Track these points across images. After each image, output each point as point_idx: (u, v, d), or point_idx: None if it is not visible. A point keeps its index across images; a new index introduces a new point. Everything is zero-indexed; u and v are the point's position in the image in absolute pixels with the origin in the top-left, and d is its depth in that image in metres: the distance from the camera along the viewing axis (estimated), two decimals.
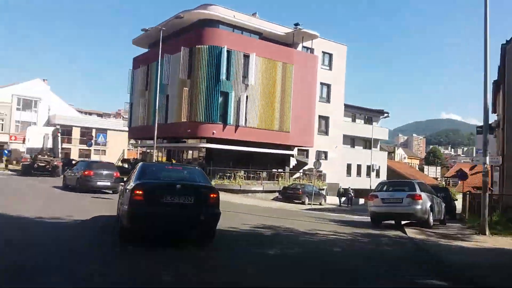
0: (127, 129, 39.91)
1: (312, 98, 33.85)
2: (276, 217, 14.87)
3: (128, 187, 7.52)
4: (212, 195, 7.36)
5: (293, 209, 22.89)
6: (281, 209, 21.10)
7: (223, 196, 23.71)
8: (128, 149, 75.81)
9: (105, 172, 18.15)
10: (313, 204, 26.69)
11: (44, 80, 60.92)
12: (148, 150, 38.36)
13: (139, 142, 40.15)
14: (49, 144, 30.78)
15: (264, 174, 30.43)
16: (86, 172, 17.64)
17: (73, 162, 30.80)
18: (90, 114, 79.82)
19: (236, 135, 28.80)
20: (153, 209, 6.82)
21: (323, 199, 30.82)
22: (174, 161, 29.12)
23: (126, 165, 37.27)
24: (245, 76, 29.46)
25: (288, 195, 28.36)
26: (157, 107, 28.82)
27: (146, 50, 37.65)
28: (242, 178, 28.14)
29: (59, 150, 30.71)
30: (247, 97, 29.29)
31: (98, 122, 61.84)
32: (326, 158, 37.19)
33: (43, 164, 27.13)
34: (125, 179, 9.34)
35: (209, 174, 27.83)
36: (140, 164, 8.75)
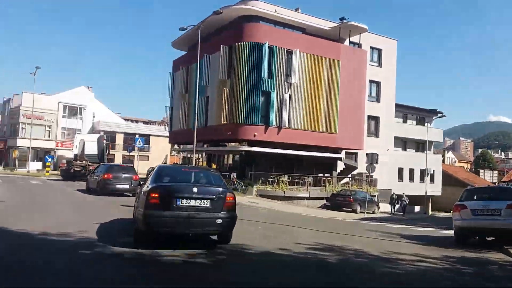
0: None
1: (362, 96, 31.27)
2: (332, 231, 12.54)
3: (144, 190, 7.44)
4: (228, 198, 7.21)
5: (346, 218, 20.56)
6: (334, 220, 18.84)
7: (265, 204, 21.98)
8: (172, 155, 76.16)
9: (124, 175, 18.37)
10: (366, 213, 24.13)
11: (88, 87, 62.09)
12: (189, 155, 37.25)
13: (181, 147, 39.14)
14: (93, 150, 30.65)
15: (310, 179, 28.19)
16: (105, 176, 17.99)
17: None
18: (137, 121, 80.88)
19: (279, 137, 26.82)
20: (169, 213, 6.72)
21: (376, 207, 28.10)
22: (214, 166, 27.60)
23: None
24: (288, 74, 27.47)
25: (338, 202, 25.96)
26: (196, 110, 27.49)
27: (185, 52, 36.65)
28: (286, 184, 26.08)
29: (106, 156, 31.16)
30: (290, 96, 27.26)
31: (141, 128, 62.18)
32: (376, 162, 34.27)
33: (78, 169, 27.62)
34: (141, 182, 9.26)
35: (250, 179, 26.08)
36: (156, 166, 8.65)
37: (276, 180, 26.17)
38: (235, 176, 25.83)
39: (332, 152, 30.24)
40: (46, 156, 36.01)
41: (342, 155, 31.76)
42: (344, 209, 25.97)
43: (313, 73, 28.45)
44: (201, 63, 28.91)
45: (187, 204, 6.86)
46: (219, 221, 6.99)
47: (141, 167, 56.92)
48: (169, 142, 39.82)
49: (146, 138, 63.54)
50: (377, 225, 17.43)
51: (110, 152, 54.22)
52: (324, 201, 27.44)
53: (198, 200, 6.93)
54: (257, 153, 26.77)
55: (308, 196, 26.26)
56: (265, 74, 26.03)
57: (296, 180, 27.38)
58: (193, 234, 7.55)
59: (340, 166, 32.42)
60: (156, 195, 6.83)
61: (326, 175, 30.13)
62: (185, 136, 33.10)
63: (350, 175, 32.70)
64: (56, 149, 54.99)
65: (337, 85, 29.41)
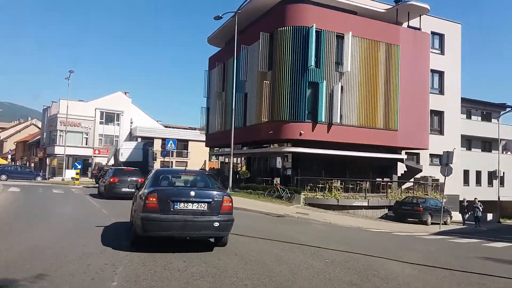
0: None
1: (425, 87, 26.75)
2: (445, 266, 7.88)
3: (141, 194, 7.33)
4: (225, 201, 7.09)
5: (421, 233, 16.38)
6: (410, 237, 14.65)
7: (317, 215, 18.15)
8: (211, 160, 73.76)
9: (129, 179, 18.15)
10: (441, 225, 19.70)
11: (125, 93, 60.81)
12: (227, 159, 34.10)
13: (219, 150, 36.05)
14: (137, 157, 29.45)
15: (367, 184, 24.04)
16: (111, 179, 18.01)
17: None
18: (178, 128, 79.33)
19: (329, 135, 22.95)
20: (167, 216, 6.64)
21: (448, 217, 23.54)
22: (243, 170, 24.16)
23: None
24: (339, 62, 23.59)
25: (403, 212, 21.66)
26: (234, 108, 24.26)
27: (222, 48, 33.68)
28: (339, 190, 22.12)
29: (152, 163, 30.13)
30: (342, 87, 23.34)
31: (179, 133, 60.02)
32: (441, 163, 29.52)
33: None
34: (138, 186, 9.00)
35: (296, 184, 22.37)
36: (154, 170, 8.65)
37: (327, 186, 22.28)
38: (279, 182, 22.23)
39: (391, 152, 25.95)
40: (75, 163, 34.05)
41: (404, 155, 27.31)
42: (410, 219, 21.68)
43: (368, 60, 24.39)
44: (238, 56, 25.77)
45: (185, 208, 6.78)
46: (216, 224, 6.87)
47: None
48: (206, 146, 36.86)
49: (184, 143, 61.59)
50: (469, 244, 13.19)
51: None
52: (385, 211, 23.21)
53: (195, 204, 6.85)
54: (303, 154, 23.04)
55: (366, 205, 22.14)
56: (312, 62, 22.31)
57: (350, 186, 23.33)
58: (190, 238, 7.28)
59: (400, 169, 27.95)
60: (154, 199, 6.71)
61: (385, 179, 25.80)
62: (222, 139, 29.99)
63: (412, 179, 28.15)
64: (94, 156, 53.81)
65: (396, 73, 25.16)
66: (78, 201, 17.54)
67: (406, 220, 21.67)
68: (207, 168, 47.45)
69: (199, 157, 60.70)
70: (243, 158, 29.87)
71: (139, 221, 6.76)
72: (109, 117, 56.87)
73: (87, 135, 54.64)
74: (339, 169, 24.07)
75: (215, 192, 7.23)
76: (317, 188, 22.08)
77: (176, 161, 60.44)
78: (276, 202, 20.25)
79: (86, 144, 54.28)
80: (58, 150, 51.23)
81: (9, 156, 52.01)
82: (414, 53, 26.09)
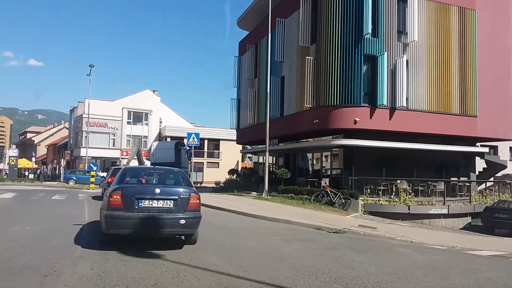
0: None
1: (509, 62, 21.19)
2: None
3: (107, 191, 7.33)
4: (192, 198, 6.90)
5: None
6: None
7: (387, 229, 12.07)
8: (245, 161, 69.62)
9: None
10: None
11: (154, 91, 57.72)
12: (262, 157, 29.63)
13: (252, 148, 31.68)
14: (170, 158, 27.20)
15: (442, 186, 18.80)
16: (109, 179, 16.80)
17: None
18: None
19: (391, 123, 18.00)
20: (131, 214, 6.47)
21: None
22: (282, 169, 19.62)
23: (234, 177, 29.14)
24: (402, 30, 18.62)
25: (497, 222, 16.35)
26: (268, 95, 19.79)
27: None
28: (410, 194, 17.08)
29: (186, 163, 27.76)
30: (407, 62, 18.33)
31: (210, 132, 56.16)
32: None
33: None
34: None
35: (351, 186, 17.54)
36: (122, 168, 8.86)
37: (392, 189, 17.33)
38: (328, 184, 17.48)
39: (466, 144, 20.59)
40: (90, 164, 30.66)
41: (484, 148, 21.84)
42: (504, 230, 16.36)
43: (438, 28, 19.26)
44: (273, 32, 21.27)
45: (150, 205, 6.61)
46: (182, 221, 6.63)
47: (211, 175, 51.25)
48: (237, 143, 32.56)
49: (216, 143, 57.78)
50: None
51: None
52: (468, 219, 17.95)
53: (161, 201, 6.66)
54: (358, 148, 18.18)
55: (446, 212, 16.93)
56: (367, 30, 17.46)
57: (420, 188, 18.22)
58: (156, 236, 7.02)
59: (479, 165, 22.44)
60: (118, 197, 6.55)
61: (462, 179, 20.45)
62: (255, 134, 25.58)
63: (492, 178, 22.60)
64: (122, 158, 50.84)
65: (472, 44, 19.86)
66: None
67: (499, 232, 16.37)
68: (239, 169, 43.12)
69: (231, 157, 56.69)
70: (280, 155, 25.24)
71: (103, 219, 6.64)
72: (137, 117, 53.95)
73: (114, 136, 51.88)
74: (403, 166, 19.05)
75: (181, 189, 7.03)
76: (379, 191, 17.16)
77: (207, 162, 56.78)
78: (327, 210, 15.54)
79: (114, 146, 51.50)
80: (84, 152, 48.67)
81: (33, 159, 49.89)
82: (495, 19, 20.67)
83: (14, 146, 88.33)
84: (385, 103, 17.64)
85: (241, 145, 62.59)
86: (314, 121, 18.15)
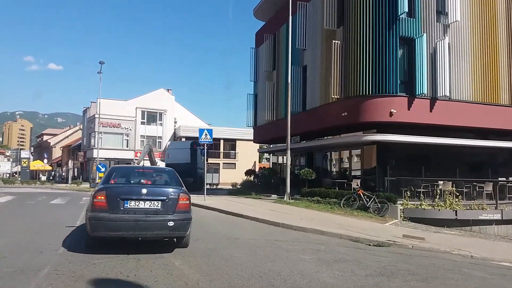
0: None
1: None
2: None
3: (92, 192, 6.92)
4: (182, 199, 6.57)
5: None
6: None
7: (437, 239, 8.04)
8: (263, 161, 67.49)
9: None
10: None
11: (168, 90, 56.16)
12: (282, 157, 27.51)
13: (270, 147, 29.57)
14: (185, 159, 26.58)
15: (489, 187, 16.33)
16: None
17: None
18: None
19: (433, 115, 15.67)
20: (116, 216, 6.17)
21: None
22: (306, 169, 17.41)
23: (251, 178, 27.11)
24: (441, 10, 16.27)
25: None
26: (289, 84, 17.66)
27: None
28: (458, 197, 14.68)
29: (202, 164, 26.10)
30: (449, 46, 15.97)
31: (226, 132, 54.17)
32: None
33: None
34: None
35: (386, 188, 15.26)
36: (110, 167, 8.48)
37: (433, 191, 14.97)
38: (359, 185, 15.25)
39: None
40: (98, 165, 29.04)
41: None
42: None
43: (483, 6, 16.83)
44: (293, 19, 19.14)
45: (136, 207, 6.30)
46: (171, 223, 6.32)
47: (227, 177, 49.28)
48: (254, 142, 30.46)
49: (232, 143, 55.88)
50: None
51: None
52: None
53: (148, 202, 6.36)
54: (394, 145, 15.88)
55: (500, 218, 14.45)
56: (403, 8, 15.18)
57: (465, 190, 15.79)
58: (143, 238, 6.57)
59: None
60: (102, 197, 6.26)
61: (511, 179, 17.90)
62: (274, 131, 23.50)
63: None
64: (135, 159, 49.34)
65: None
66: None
67: None
68: (256, 170, 41.06)
69: (248, 157, 54.77)
70: (302, 154, 23.04)
71: (87, 221, 6.32)
72: (151, 117, 52.50)
73: (127, 136, 50.52)
74: (443, 164, 16.70)
75: (170, 189, 6.71)
76: (420, 194, 14.82)
77: (223, 163, 54.94)
78: (361, 216, 13.30)
79: (127, 146, 50.13)
80: (97, 153, 47.47)
81: (45, 161, 48.97)
82: None
83: (32, 148, 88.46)
84: (425, 92, 15.31)
85: (258, 145, 60.90)
86: (343, 114, 15.94)
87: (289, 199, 16.29)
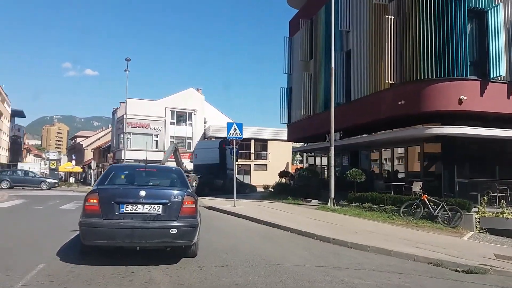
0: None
1: None
2: None
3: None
4: (186, 202, 5.69)
5: None
6: None
7: None
8: (295, 162, 64.93)
9: None
10: None
11: (198, 89, 54.64)
12: (322, 157, 24.95)
13: (306, 145, 27.01)
14: (214, 159, 25.53)
15: None
16: None
17: None
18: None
19: (510, 103, 12.75)
20: (110, 221, 5.38)
21: None
22: (354, 170, 14.76)
23: (286, 180, 24.76)
24: None
25: None
26: (332, 69, 15.17)
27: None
28: None
29: (231, 165, 24.08)
30: None
31: (257, 132, 51.96)
32: None
33: None
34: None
35: (453, 193, 12.48)
36: (109, 166, 8.06)
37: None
38: (422, 189, 12.54)
39: None
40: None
41: None
42: None
43: None
44: None
45: (133, 211, 5.49)
46: (173, 231, 5.48)
47: (258, 179, 47.08)
48: (288, 140, 28.06)
49: (263, 143, 53.69)
50: None
51: None
52: None
53: (147, 206, 5.54)
54: (464, 139, 13.05)
55: None
56: None
57: None
58: (142, 248, 5.73)
59: None
60: (95, 200, 5.49)
61: None
62: (310, 128, 21.04)
63: None
64: (168, 161, 47.94)
65: None
66: None
67: None
68: (291, 171, 38.57)
69: (280, 158, 52.37)
70: (344, 153, 20.32)
71: (79, 226, 5.51)
72: (181, 117, 51.09)
73: (157, 137, 49.29)
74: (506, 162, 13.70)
75: (173, 191, 5.86)
76: (496, 199, 11.98)
77: (254, 164, 52.77)
78: (428, 228, 10.65)
79: (156, 147, 48.85)
80: (126, 154, 46.48)
81: (73, 162, 48.46)
82: None
83: (66, 151, 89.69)
84: (502, 74, 12.45)
85: (291, 145, 58.28)
86: (399, 103, 13.25)
87: (334, 205, 13.80)
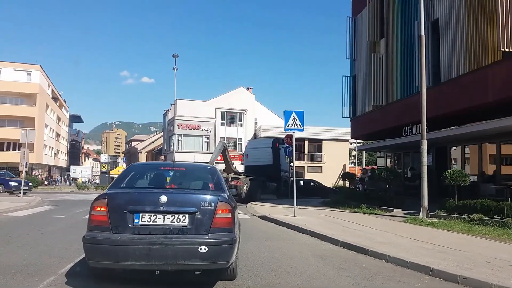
0: (349, 136, 24.06)
1: None
2: None
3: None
4: (220, 211, 4.28)
5: None
6: None
7: None
8: (350, 163, 60.67)
9: None
10: None
11: (248, 88, 52.40)
12: (391, 156, 21.37)
13: (375, 142, 23.44)
14: (266, 160, 23.46)
15: None
16: None
17: None
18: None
19: None
20: (122, 236, 4.08)
21: None
22: (456, 170, 11.15)
23: (348, 183, 21.49)
24: None
25: None
26: (422, 38, 11.79)
27: None
28: None
29: (288, 166, 23.66)
30: None
31: (310, 131, 48.48)
32: None
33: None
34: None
35: None
36: (129, 165, 6.28)
37: None
38: None
39: None
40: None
41: None
42: None
43: None
44: None
45: (151, 223, 4.14)
46: (203, 249, 4.07)
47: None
48: (351, 137, 24.66)
49: (317, 143, 50.27)
50: None
51: None
52: None
53: (168, 215, 4.18)
54: None
55: None
56: None
57: None
58: (162, 271, 4.24)
59: None
60: (103, 209, 4.19)
61: None
62: (382, 121, 17.64)
63: None
64: (216, 163, 45.99)
65: None
66: None
67: None
68: (357, 173, 34.86)
69: (336, 160, 48.64)
70: (432, 150, 16.54)
71: (83, 244, 4.20)
72: (231, 117, 49.10)
73: (207, 138, 47.61)
74: None
75: (204, 196, 4.42)
76: None
77: (308, 166, 49.39)
78: None
79: (207, 149, 47.09)
80: (177, 156, 45.16)
81: (124, 165, 48.05)
82: None
83: (123, 155, 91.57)
84: None
85: (346, 145, 54.13)
86: None
87: (428, 216, 10.39)
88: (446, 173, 10.92)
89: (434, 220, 10.12)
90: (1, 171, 26.89)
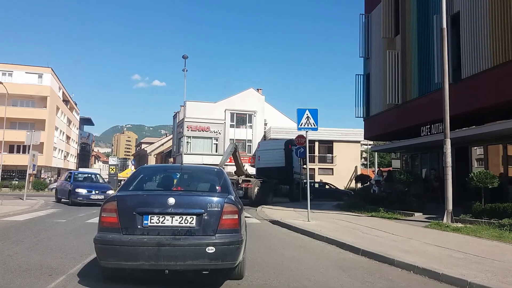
0: (361, 137, 23.39)
1: None
2: None
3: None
4: (226, 212, 4.42)
5: None
6: None
7: None
8: (367, 164, 59.67)
9: None
10: None
11: (258, 89, 51.89)
12: (404, 157, 20.60)
13: (389, 143, 22.69)
14: (278, 162, 23.11)
15: None
16: None
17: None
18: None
19: None
20: (131, 237, 4.21)
21: None
22: (483, 171, 10.38)
23: (361, 185, 20.81)
24: None
25: None
26: (444, 31, 11.14)
27: None
28: None
29: (300, 168, 23.42)
30: None
31: (321, 133, 47.69)
32: None
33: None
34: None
35: None
36: (138, 168, 6.39)
37: None
38: None
39: None
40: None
41: None
42: None
43: None
44: None
45: (160, 224, 4.28)
46: (210, 250, 4.20)
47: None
48: (364, 138, 23.96)
49: (328, 145, 49.53)
50: None
51: None
52: None
53: (176, 217, 4.31)
54: None
55: None
56: None
57: None
58: (171, 271, 4.38)
59: None
60: (113, 211, 4.33)
61: None
62: (398, 120, 16.96)
63: None
64: (225, 165, 45.50)
65: None
66: None
67: None
68: (371, 175, 34.03)
69: (347, 161, 47.84)
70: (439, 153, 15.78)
71: (94, 244, 4.33)
72: (241, 119, 48.61)
73: (216, 140, 47.16)
74: None
75: (210, 198, 4.53)
76: None
77: (319, 168, 48.60)
78: None
79: (216, 151, 46.67)
80: (186, 159, 44.78)
81: (132, 168, 47.80)
82: None
83: (133, 157, 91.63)
84: None
85: (358, 147, 53.19)
86: None
87: (453, 221, 9.70)
88: (472, 174, 10.21)
89: (460, 225, 9.43)
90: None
